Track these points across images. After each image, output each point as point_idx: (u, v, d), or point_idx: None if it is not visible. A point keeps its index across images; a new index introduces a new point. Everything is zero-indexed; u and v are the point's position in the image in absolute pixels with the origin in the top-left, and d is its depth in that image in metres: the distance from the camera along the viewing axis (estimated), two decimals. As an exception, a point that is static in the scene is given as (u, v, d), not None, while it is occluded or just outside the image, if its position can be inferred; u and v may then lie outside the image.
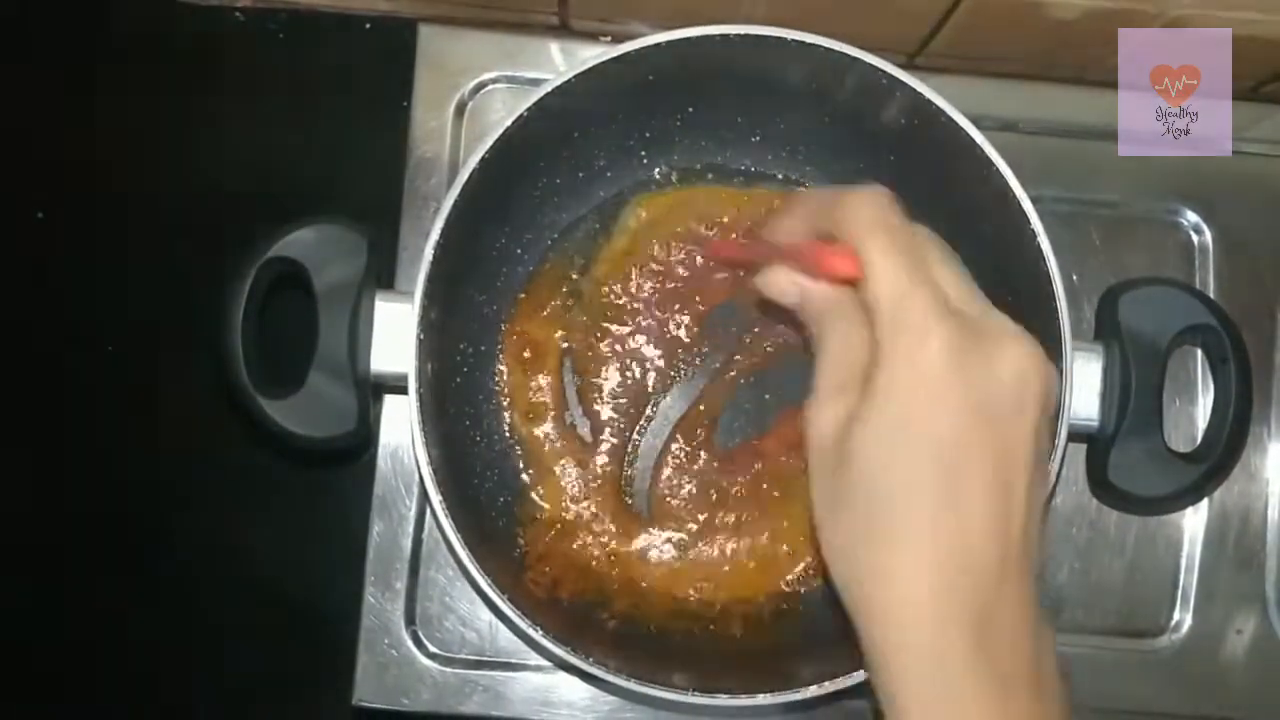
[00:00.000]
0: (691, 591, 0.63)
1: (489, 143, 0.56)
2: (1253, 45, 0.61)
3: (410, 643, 0.63)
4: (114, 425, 0.67)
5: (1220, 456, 0.60)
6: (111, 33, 0.69)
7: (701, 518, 0.64)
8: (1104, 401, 0.59)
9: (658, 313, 0.65)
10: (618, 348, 0.65)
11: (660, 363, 0.65)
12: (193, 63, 0.69)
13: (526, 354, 0.64)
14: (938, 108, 0.57)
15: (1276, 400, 0.68)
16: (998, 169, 0.57)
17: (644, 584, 0.63)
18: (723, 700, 0.54)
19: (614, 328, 0.65)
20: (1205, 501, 0.66)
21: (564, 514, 0.63)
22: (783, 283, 0.45)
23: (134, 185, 0.68)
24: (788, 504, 0.63)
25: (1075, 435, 0.58)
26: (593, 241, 0.65)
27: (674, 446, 0.64)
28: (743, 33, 0.56)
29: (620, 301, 0.65)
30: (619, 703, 0.63)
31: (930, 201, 0.62)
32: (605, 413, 0.64)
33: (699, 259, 0.65)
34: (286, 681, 0.67)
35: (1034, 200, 0.56)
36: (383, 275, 0.59)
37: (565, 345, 0.65)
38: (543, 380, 0.64)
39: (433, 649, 0.64)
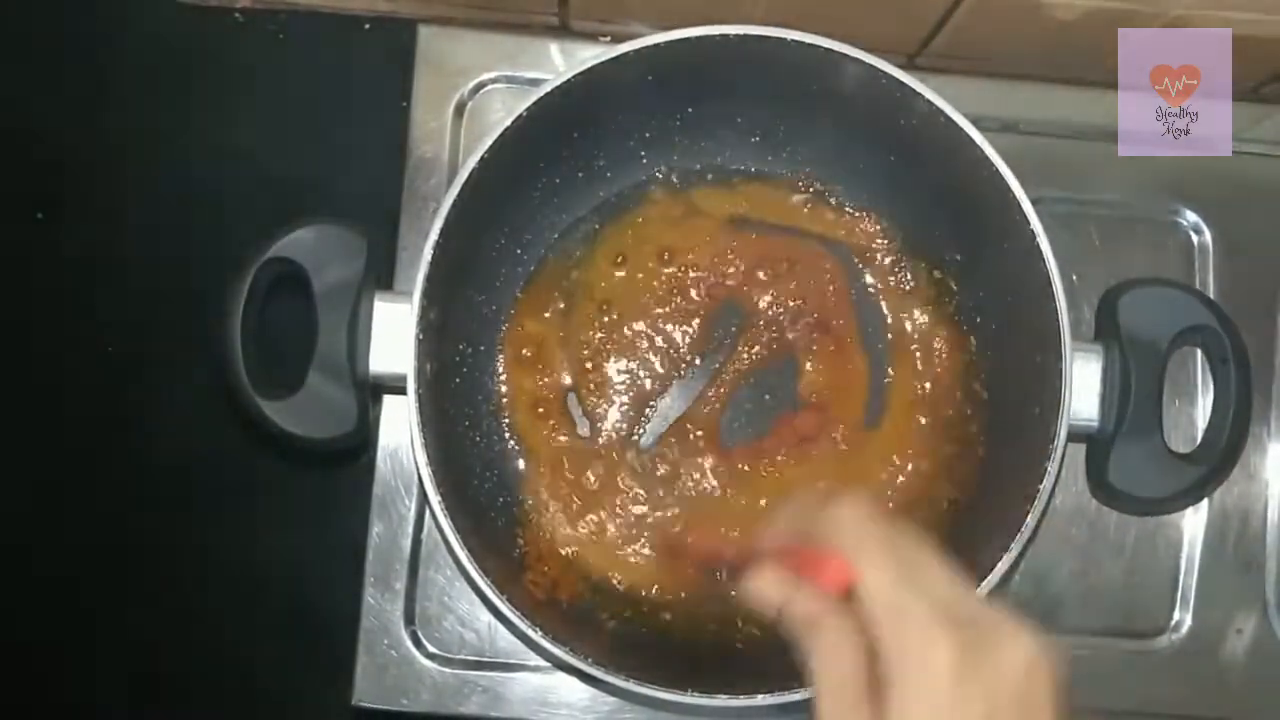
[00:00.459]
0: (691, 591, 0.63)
1: (488, 143, 0.56)
2: (1253, 45, 0.61)
3: (410, 643, 0.63)
4: (113, 425, 0.67)
5: (1220, 457, 0.60)
6: (112, 33, 0.69)
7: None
8: (1104, 402, 0.59)
9: (658, 313, 0.65)
10: (617, 348, 0.65)
11: (660, 363, 0.65)
12: (193, 63, 0.69)
13: (526, 354, 0.64)
14: (937, 108, 0.57)
15: (1276, 400, 0.68)
16: (998, 169, 0.57)
17: (643, 584, 0.63)
18: (722, 700, 0.54)
19: (614, 328, 0.65)
20: (1205, 502, 0.66)
21: (564, 514, 0.63)
22: (769, 590, 0.44)
23: (134, 185, 0.68)
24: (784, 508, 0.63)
25: (1075, 436, 0.58)
26: (592, 242, 0.65)
27: (674, 446, 0.64)
28: (742, 33, 0.56)
29: (620, 301, 0.65)
30: (618, 703, 0.63)
31: (930, 201, 0.63)
32: (605, 413, 0.64)
33: (693, 293, 0.64)
34: (287, 681, 0.67)
35: (1034, 200, 0.56)
36: (382, 276, 0.59)
37: (565, 345, 0.65)
38: (542, 380, 0.64)
39: (432, 649, 0.64)
